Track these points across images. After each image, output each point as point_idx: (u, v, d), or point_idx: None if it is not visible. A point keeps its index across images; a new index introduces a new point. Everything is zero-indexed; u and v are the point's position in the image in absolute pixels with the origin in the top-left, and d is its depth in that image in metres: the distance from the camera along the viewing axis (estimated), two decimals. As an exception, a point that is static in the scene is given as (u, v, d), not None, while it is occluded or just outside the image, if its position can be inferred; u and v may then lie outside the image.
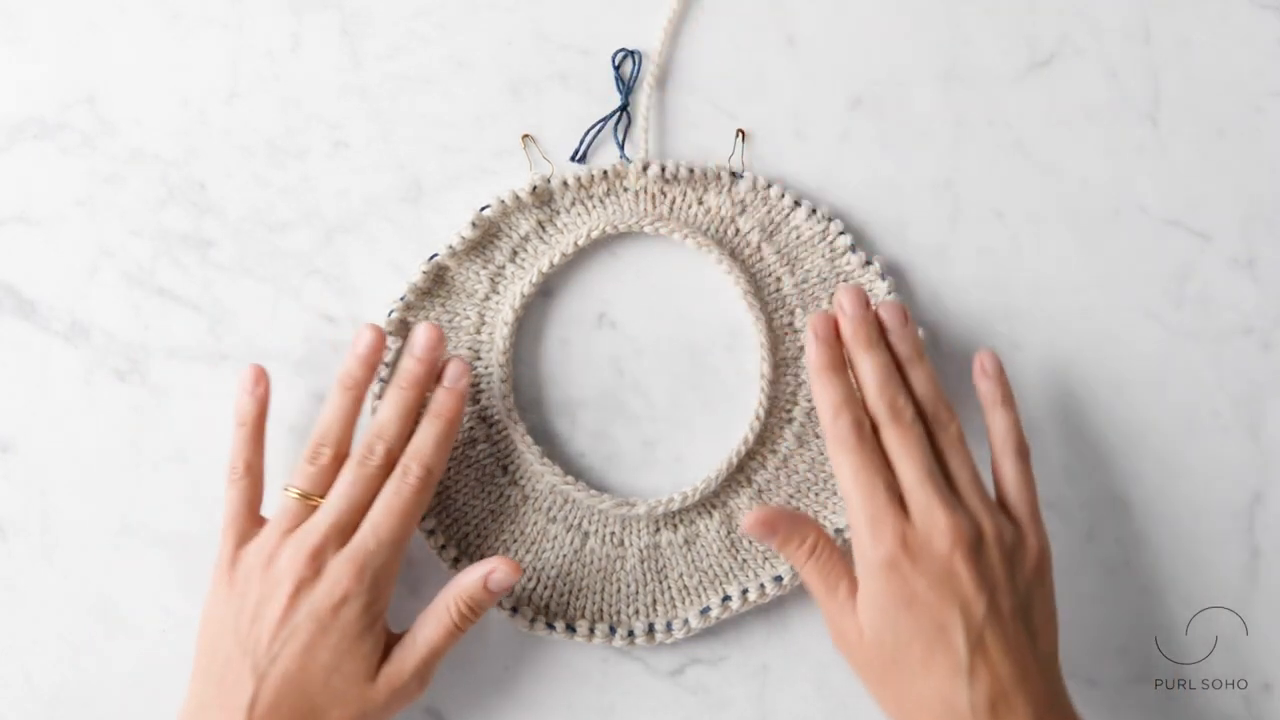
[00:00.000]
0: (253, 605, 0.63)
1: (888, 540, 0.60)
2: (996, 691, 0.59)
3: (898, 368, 0.65)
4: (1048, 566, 0.63)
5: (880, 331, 0.65)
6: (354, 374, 0.66)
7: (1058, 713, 0.60)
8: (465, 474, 0.69)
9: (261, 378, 0.67)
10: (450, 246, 0.69)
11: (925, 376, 0.65)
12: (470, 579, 0.64)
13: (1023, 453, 0.64)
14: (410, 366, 0.65)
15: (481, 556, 0.69)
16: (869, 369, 0.64)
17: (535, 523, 0.69)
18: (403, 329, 0.69)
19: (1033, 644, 0.61)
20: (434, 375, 0.66)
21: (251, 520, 0.65)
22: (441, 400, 0.66)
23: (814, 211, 0.70)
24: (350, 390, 0.66)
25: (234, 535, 0.65)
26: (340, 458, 0.65)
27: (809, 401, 0.69)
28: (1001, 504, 0.64)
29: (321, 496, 0.65)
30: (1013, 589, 0.61)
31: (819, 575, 0.63)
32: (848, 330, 0.65)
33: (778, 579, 0.68)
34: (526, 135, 0.70)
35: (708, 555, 0.69)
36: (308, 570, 0.63)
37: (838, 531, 0.68)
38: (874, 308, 0.65)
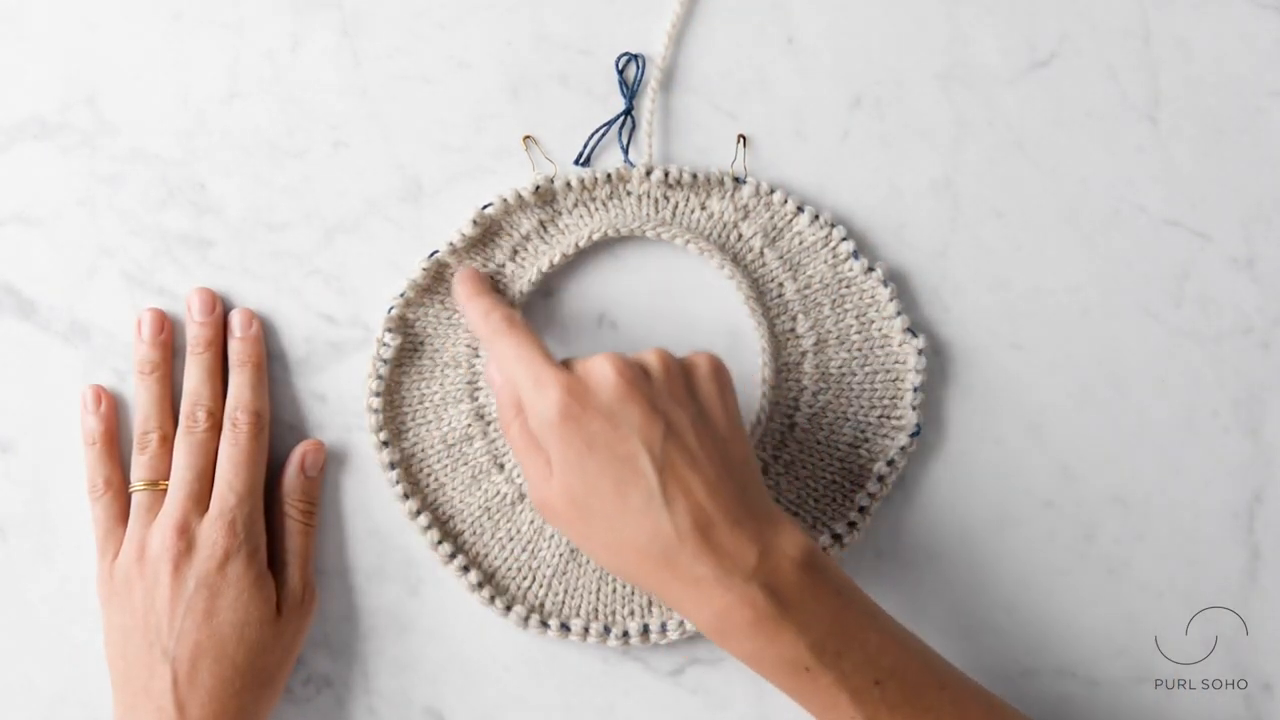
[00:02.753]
0: (141, 598, 0.65)
1: (554, 393, 0.59)
2: (695, 508, 0.58)
3: None
4: (723, 375, 0.63)
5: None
6: (149, 359, 0.69)
7: (759, 513, 0.59)
8: (460, 471, 0.69)
9: (100, 396, 0.69)
10: (451, 244, 0.69)
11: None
12: (291, 479, 0.68)
13: None
14: (198, 332, 0.69)
15: (476, 554, 0.69)
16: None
17: (531, 521, 0.69)
18: (402, 325, 0.69)
19: (723, 452, 0.60)
20: (222, 334, 0.69)
21: (122, 533, 0.67)
22: (240, 349, 0.69)
23: (816, 217, 0.70)
24: (152, 374, 0.68)
25: (110, 549, 0.67)
26: (167, 439, 0.68)
27: (810, 407, 0.69)
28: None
29: (165, 479, 0.67)
30: (687, 403, 0.61)
31: (517, 444, 0.62)
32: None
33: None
34: (528, 136, 0.70)
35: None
36: (179, 544, 0.65)
37: (836, 537, 0.68)
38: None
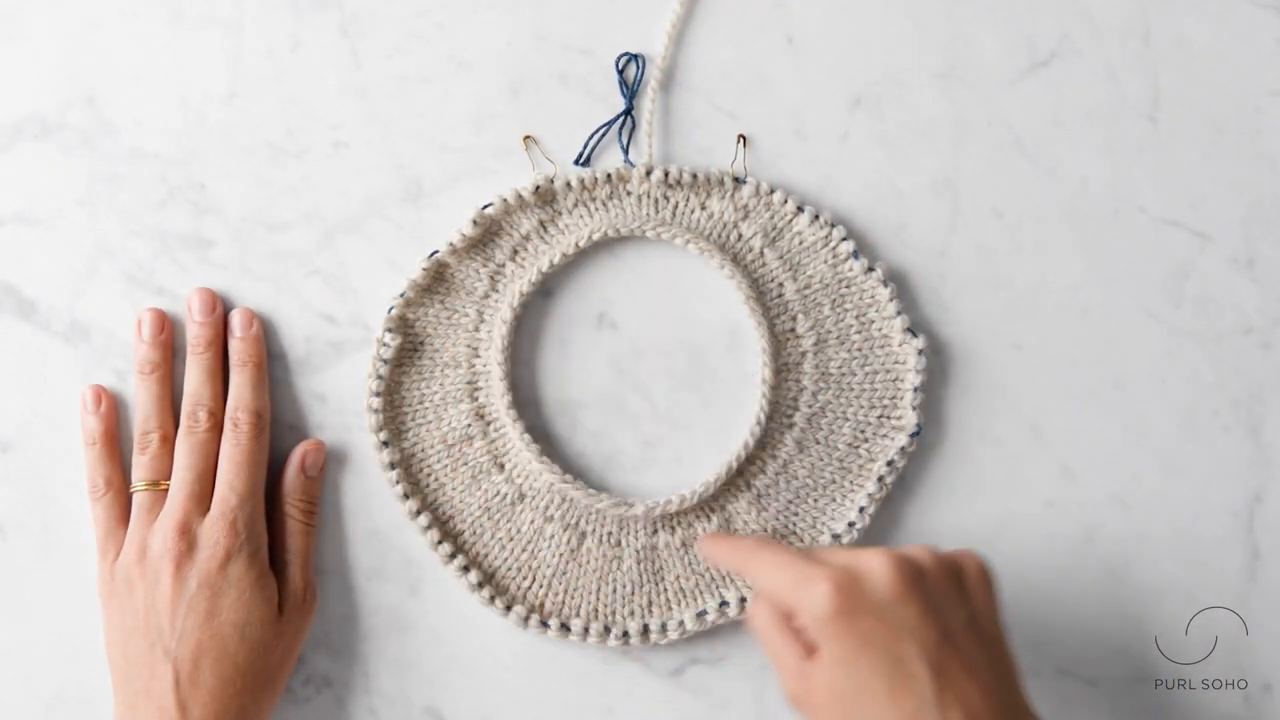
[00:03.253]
0: (143, 599, 0.65)
1: (823, 586, 0.58)
2: (968, 715, 0.57)
3: None
4: (991, 578, 0.61)
5: None
6: (150, 359, 0.69)
7: None
8: (460, 471, 0.69)
9: (101, 396, 0.69)
10: (451, 244, 0.69)
11: None
12: (291, 478, 0.68)
13: None
14: (198, 332, 0.69)
15: (476, 553, 0.69)
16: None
17: (532, 521, 0.69)
18: (402, 325, 0.69)
19: (994, 660, 0.59)
20: (223, 334, 0.69)
21: (123, 534, 0.67)
22: (241, 348, 0.69)
23: (816, 217, 0.70)
24: (152, 374, 0.68)
25: (111, 550, 0.67)
26: (168, 439, 0.68)
27: (810, 407, 0.69)
28: None
29: (166, 479, 0.67)
30: (961, 605, 0.59)
31: (774, 643, 0.60)
32: None
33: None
34: (528, 136, 0.70)
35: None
36: (181, 545, 0.65)
37: (835, 537, 0.68)
38: None
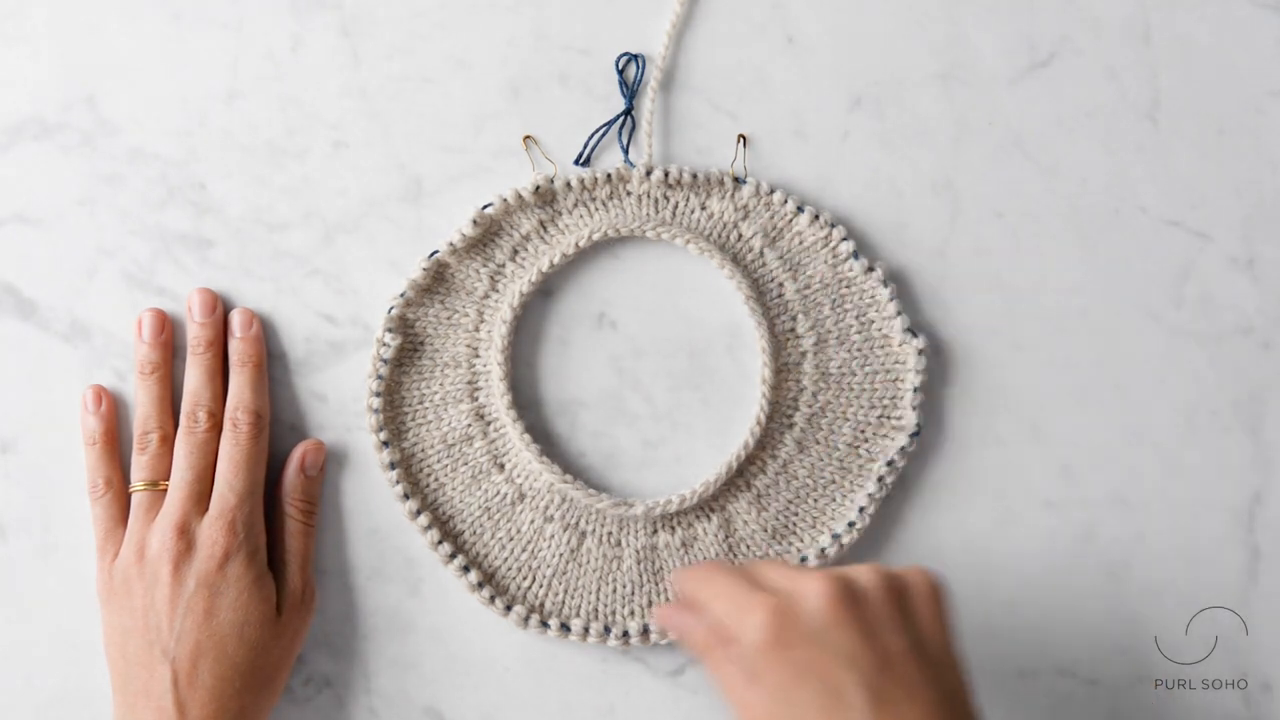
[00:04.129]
0: (141, 598, 0.65)
1: (759, 612, 0.56)
2: None
3: None
4: (941, 596, 0.58)
5: None
6: (150, 359, 0.69)
7: None
8: (460, 471, 0.69)
9: (101, 396, 0.69)
10: (451, 244, 0.69)
11: None
12: (291, 478, 0.68)
13: None
14: (198, 332, 0.69)
15: (476, 553, 0.69)
16: None
17: (532, 521, 0.69)
18: (402, 325, 0.69)
19: (938, 682, 0.57)
20: (223, 335, 0.69)
21: (122, 533, 0.67)
22: (241, 349, 0.69)
23: (816, 217, 0.70)
24: (153, 374, 0.68)
25: (110, 549, 0.67)
26: (168, 439, 0.68)
27: (810, 407, 0.69)
28: None
29: (165, 479, 0.67)
30: (904, 628, 0.57)
31: (718, 672, 0.59)
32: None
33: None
34: (528, 136, 0.70)
35: (705, 558, 0.69)
36: (179, 544, 0.65)
37: (835, 537, 0.68)
38: None
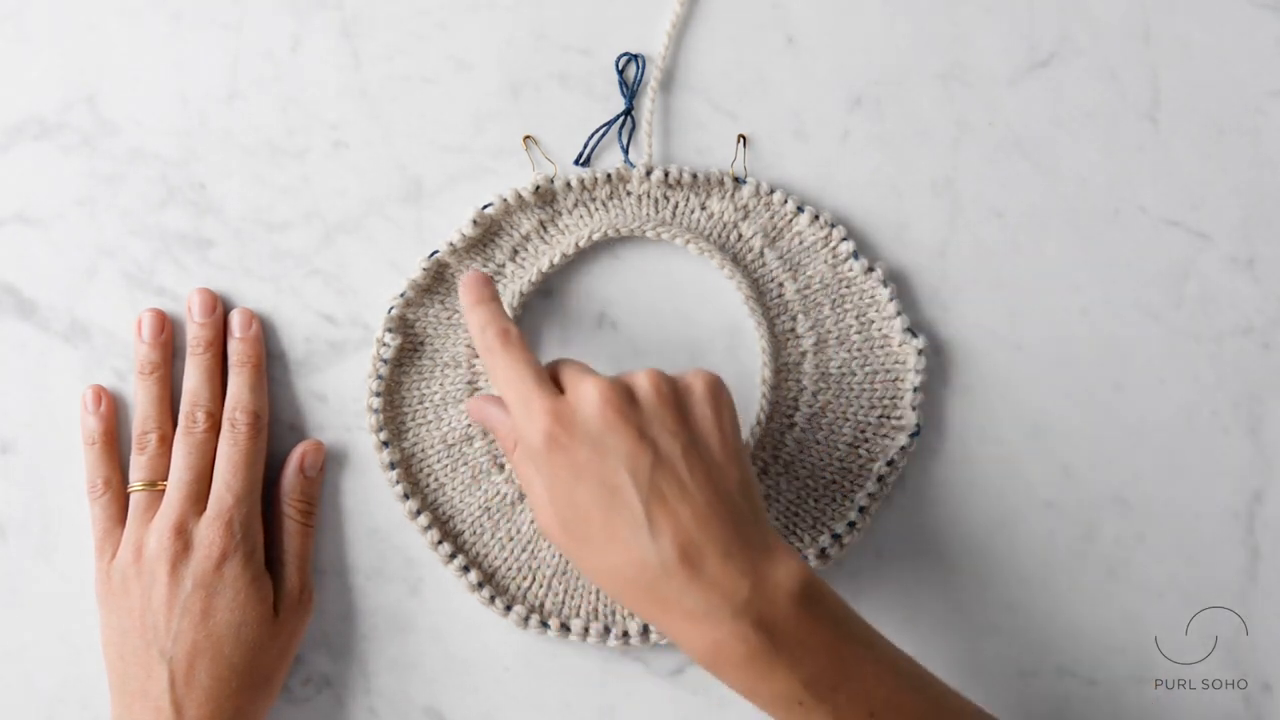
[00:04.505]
0: (138, 598, 0.65)
1: (539, 417, 0.58)
2: (682, 538, 0.57)
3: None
4: (720, 396, 0.61)
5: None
6: (150, 359, 0.69)
7: (753, 542, 0.58)
8: (459, 471, 0.69)
9: (100, 396, 0.69)
10: (451, 244, 0.69)
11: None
12: (290, 478, 0.68)
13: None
14: (198, 332, 0.69)
15: (476, 553, 0.69)
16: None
17: (532, 521, 0.69)
18: (402, 325, 0.69)
19: (716, 480, 0.58)
20: (222, 335, 0.69)
21: (121, 534, 0.67)
22: (240, 349, 0.69)
23: (816, 217, 0.70)
24: (152, 375, 0.68)
25: (108, 549, 0.67)
26: (166, 439, 0.68)
27: (810, 407, 0.69)
28: None
29: (163, 479, 0.67)
30: (679, 429, 0.59)
31: (519, 470, 0.61)
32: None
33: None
34: (528, 136, 0.70)
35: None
36: (177, 545, 0.65)
37: (835, 537, 0.68)
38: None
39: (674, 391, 0.60)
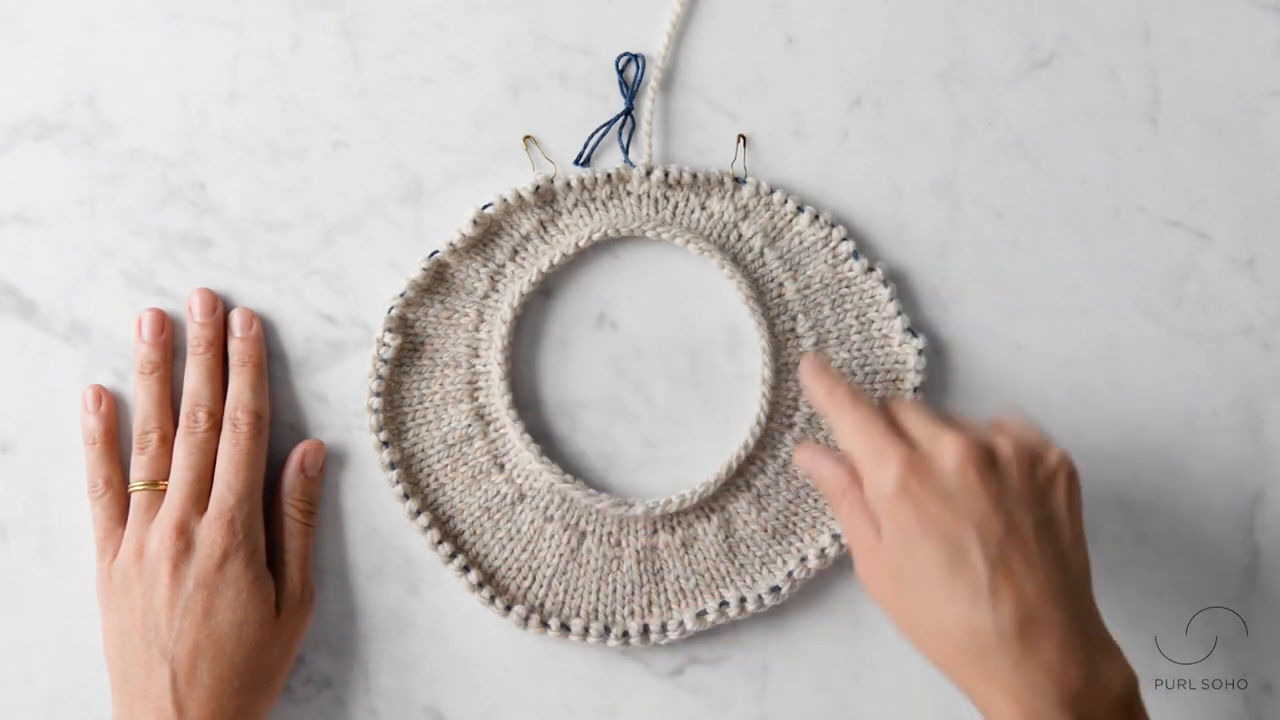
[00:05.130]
0: (140, 598, 0.65)
1: (893, 467, 0.58)
2: (1023, 613, 0.56)
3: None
4: (1075, 480, 0.60)
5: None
6: (150, 359, 0.69)
7: (1091, 635, 0.57)
8: (460, 471, 0.69)
9: (101, 396, 0.69)
10: (451, 244, 0.69)
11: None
12: (290, 478, 0.68)
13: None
14: (198, 332, 0.69)
15: (476, 553, 0.69)
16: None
17: (532, 521, 0.69)
18: (402, 325, 0.69)
19: (1061, 562, 0.58)
20: (223, 335, 0.69)
21: (122, 533, 0.67)
22: (241, 349, 0.69)
23: (816, 217, 0.70)
24: (153, 374, 0.68)
25: (109, 549, 0.67)
26: (167, 439, 0.68)
27: (810, 407, 0.69)
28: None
29: (164, 479, 0.67)
30: (1035, 504, 0.58)
31: (847, 519, 0.61)
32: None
33: (775, 589, 0.68)
34: (528, 136, 0.70)
35: (705, 558, 0.69)
36: (178, 544, 0.65)
37: (835, 537, 0.68)
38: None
39: (1033, 463, 0.59)
